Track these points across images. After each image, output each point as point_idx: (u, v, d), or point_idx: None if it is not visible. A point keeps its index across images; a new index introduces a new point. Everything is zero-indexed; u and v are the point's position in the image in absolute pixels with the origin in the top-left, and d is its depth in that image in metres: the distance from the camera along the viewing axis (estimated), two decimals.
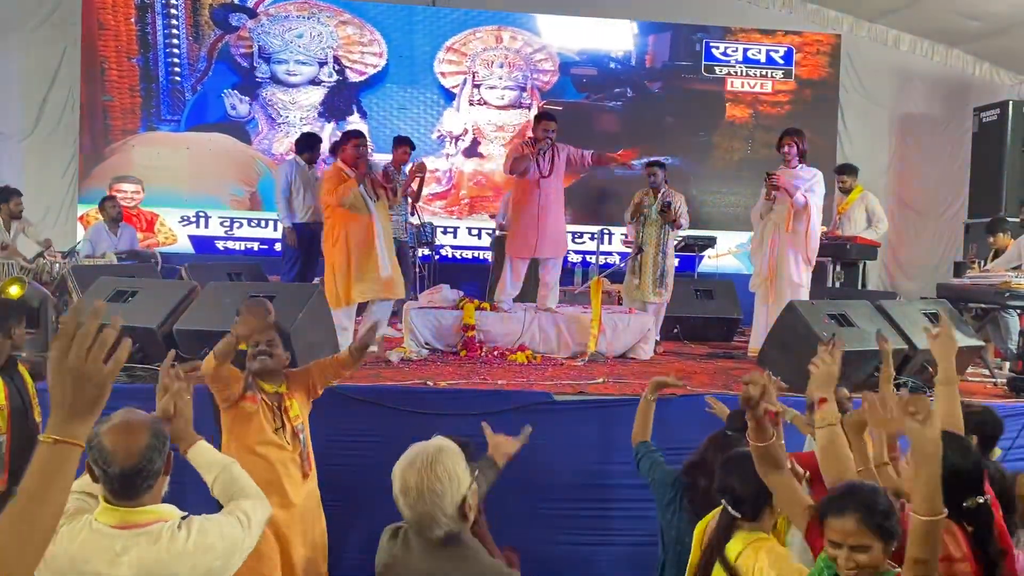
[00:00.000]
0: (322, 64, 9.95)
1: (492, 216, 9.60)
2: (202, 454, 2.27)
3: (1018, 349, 5.41)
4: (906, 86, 10.53)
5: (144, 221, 9.54)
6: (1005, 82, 10.35)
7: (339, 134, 9.43)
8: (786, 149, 6.29)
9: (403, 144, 7.71)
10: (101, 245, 7.70)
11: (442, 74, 10.13)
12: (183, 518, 1.97)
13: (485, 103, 10.20)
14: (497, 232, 8.67)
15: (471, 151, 10.18)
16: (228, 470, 2.25)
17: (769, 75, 10.35)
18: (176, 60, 9.72)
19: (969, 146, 9.75)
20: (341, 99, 9.99)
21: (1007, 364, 5.91)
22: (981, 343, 5.58)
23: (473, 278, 9.26)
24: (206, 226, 9.73)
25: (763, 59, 10.34)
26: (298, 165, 7.48)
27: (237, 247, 9.76)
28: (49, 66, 9.44)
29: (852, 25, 10.36)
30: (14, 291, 4.75)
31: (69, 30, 9.43)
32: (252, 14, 9.81)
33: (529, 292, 6.78)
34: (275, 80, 9.89)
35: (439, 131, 10.10)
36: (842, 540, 1.99)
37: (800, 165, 6.27)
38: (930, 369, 4.90)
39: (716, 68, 10.31)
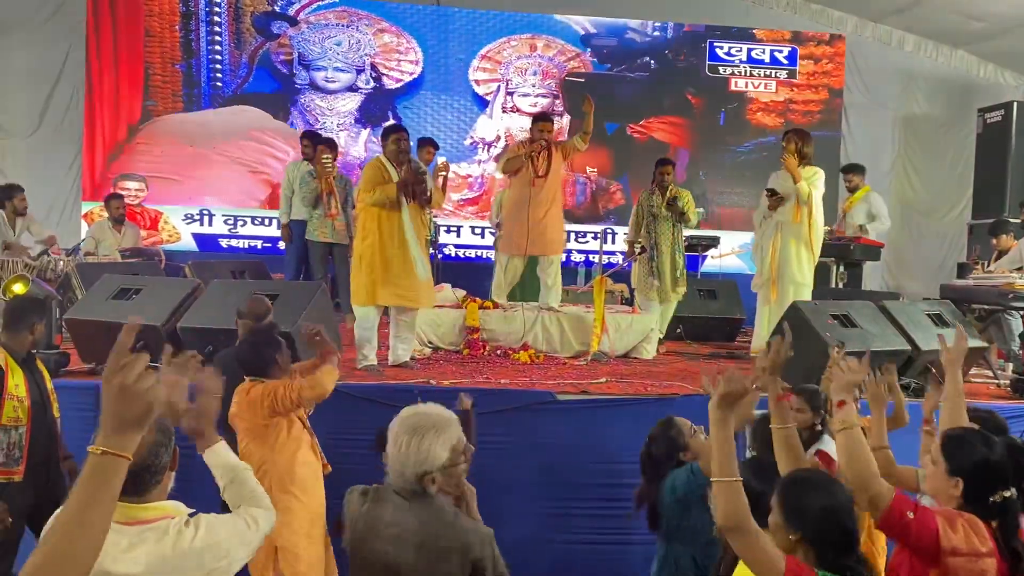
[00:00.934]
0: (359, 71, 10.09)
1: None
2: (219, 455, 2.26)
3: (1021, 350, 5.41)
4: (910, 87, 10.52)
5: (148, 219, 9.56)
6: (1009, 83, 10.34)
7: (375, 139, 9.76)
8: (785, 148, 6.29)
9: (427, 145, 7.69)
10: (105, 243, 7.72)
11: (476, 81, 10.27)
12: (190, 515, 1.97)
13: (518, 110, 10.31)
14: (497, 232, 8.68)
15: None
16: (242, 476, 2.24)
17: (773, 75, 10.35)
18: (218, 66, 9.85)
19: (973, 147, 9.74)
20: (377, 106, 10.13)
21: (1010, 365, 5.91)
22: (984, 344, 5.58)
23: (476, 277, 9.27)
24: (210, 224, 9.75)
25: (767, 59, 10.33)
26: (298, 164, 7.59)
27: (241, 245, 9.78)
28: (53, 64, 9.46)
29: (856, 25, 10.35)
30: (18, 288, 4.77)
31: (73, 28, 9.44)
32: (293, 22, 9.97)
33: (531, 292, 6.80)
34: (313, 87, 10.04)
35: (472, 137, 10.19)
36: None
37: (802, 167, 6.26)
38: (933, 371, 4.90)
39: (720, 68, 10.31)
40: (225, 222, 9.76)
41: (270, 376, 3.39)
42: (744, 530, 1.91)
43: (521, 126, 10.17)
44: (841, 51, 10.38)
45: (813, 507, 1.97)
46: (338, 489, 3.97)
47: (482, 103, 10.28)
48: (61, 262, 6.80)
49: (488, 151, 10.25)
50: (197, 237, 9.70)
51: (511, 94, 10.31)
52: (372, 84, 10.10)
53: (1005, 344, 6.28)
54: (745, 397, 2.08)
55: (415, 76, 10.14)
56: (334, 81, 10.05)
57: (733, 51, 10.32)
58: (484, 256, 9.90)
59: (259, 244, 9.76)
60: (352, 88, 10.08)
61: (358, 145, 10.11)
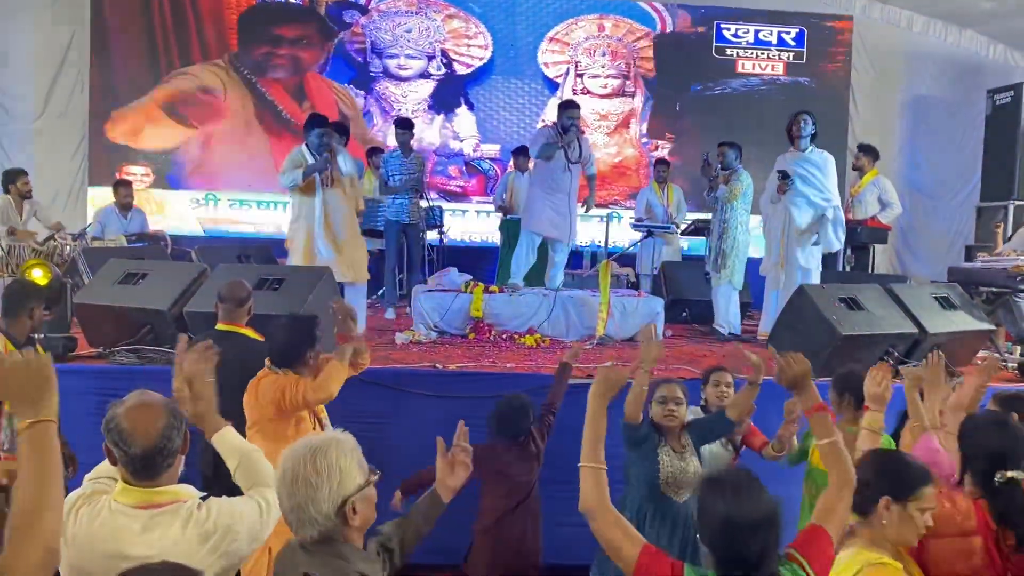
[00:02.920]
0: (431, 58, 10.20)
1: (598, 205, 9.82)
2: (227, 440, 2.26)
3: None
4: (918, 68, 10.43)
5: (153, 203, 9.56)
6: (1019, 64, 10.23)
7: (449, 125, 10.07)
8: (795, 130, 6.26)
9: (401, 127, 7.49)
10: (111, 227, 7.72)
11: (545, 64, 10.32)
12: (202, 498, 1.98)
13: (588, 92, 10.34)
14: (503, 216, 8.66)
15: None
16: (251, 457, 2.24)
17: (780, 57, 10.28)
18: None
19: (982, 129, 9.66)
20: (449, 92, 10.23)
21: (1018, 348, 5.89)
22: (992, 327, 5.56)
23: (481, 261, 9.27)
24: (215, 208, 9.75)
25: (774, 41, 10.26)
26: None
27: (247, 229, 9.78)
28: (58, 48, 9.44)
29: (865, 6, 10.25)
30: (39, 275, 4.76)
31: (77, 12, 9.42)
32: (364, 11, 10.08)
33: (535, 276, 6.82)
34: (387, 74, 10.17)
35: (543, 121, 10.13)
36: None
37: (811, 148, 6.24)
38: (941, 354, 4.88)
39: (727, 50, 10.24)
40: (231, 206, 9.77)
41: (294, 370, 3.23)
42: (601, 513, 2.00)
43: (593, 108, 10.30)
44: (849, 32, 10.30)
45: (714, 513, 1.84)
46: None
47: (552, 86, 10.33)
48: (68, 247, 6.81)
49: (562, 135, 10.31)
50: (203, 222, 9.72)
51: (581, 76, 10.37)
52: (443, 71, 10.21)
53: (1014, 326, 6.24)
54: (620, 387, 2.17)
55: (485, 61, 10.23)
56: (407, 68, 10.19)
57: (740, 32, 10.25)
58: (490, 240, 9.88)
59: (266, 228, 9.76)
60: (424, 75, 10.21)
61: (432, 129, 10.21)
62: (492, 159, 10.32)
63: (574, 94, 10.23)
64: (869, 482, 2.08)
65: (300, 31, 9.98)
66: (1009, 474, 2.24)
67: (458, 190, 10.30)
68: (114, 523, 1.88)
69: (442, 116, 10.20)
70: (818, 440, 2.13)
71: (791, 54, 10.28)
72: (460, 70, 10.22)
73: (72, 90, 9.51)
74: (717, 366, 3.88)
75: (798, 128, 6.28)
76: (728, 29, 10.23)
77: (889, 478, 2.08)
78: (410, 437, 4.28)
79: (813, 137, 6.26)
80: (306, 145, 5.85)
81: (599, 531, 2.01)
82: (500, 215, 8.85)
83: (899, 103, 10.49)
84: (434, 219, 8.69)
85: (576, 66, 10.32)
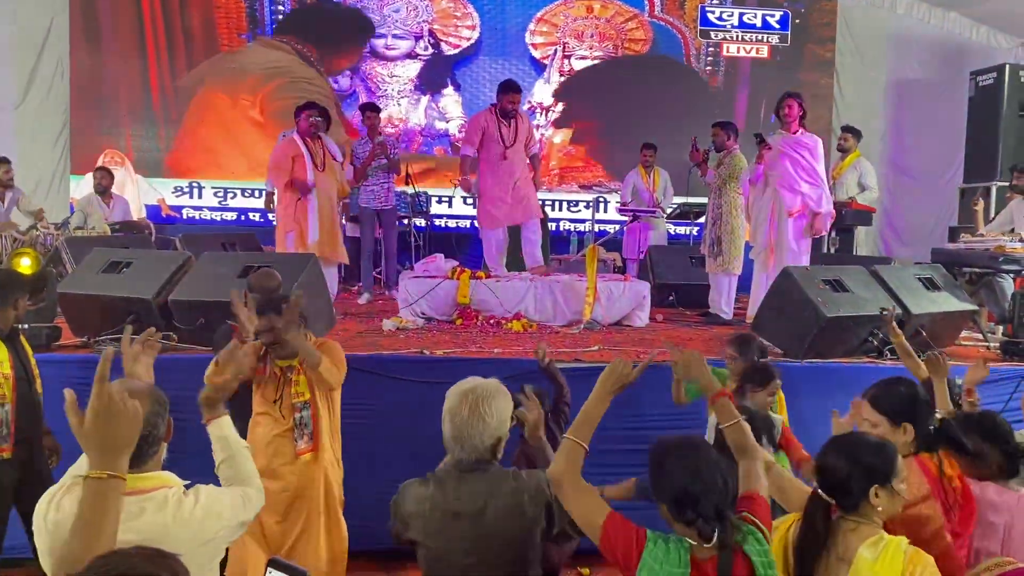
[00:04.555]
0: (418, 38, 10.13)
1: (582, 186, 9.77)
2: (222, 429, 2.28)
3: (1010, 313, 5.43)
4: (902, 50, 10.46)
5: (136, 191, 9.50)
6: (1002, 45, 10.27)
7: (435, 106, 9.97)
8: (786, 112, 6.23)
9: (369, 110, 7.52)
10: (93, 216, 7.66)
11: (533, 45, 10.27)
12: (187, 486, 1.98)
13: (574, 72, 10.31)
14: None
15: (561, 122, 10.31)
16: (239, 454, 2.26)
17: (765, 39, 10.28)
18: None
19: (965, 110, 9.70)
20: (436, 72, 10.17)
21: (1000, 328, 5.94)
22: (975, 307, 5.61)
23: (468, 247, 9.27)
24: (199, 196, 9.69)
25: (759, 23, 10.25)
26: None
27: (231, 217, 9.73)
28: (37, 35, 9.33)
29: None
30: (26, 264, 4.72)
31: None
32: None
33: (515, 261, 6.89)
34: (374, 54, 10.08)
35: (529, 102, 10.13)
36: None
37: (800, 130, 6.22)
38: (923, 333, 4.93)
39: (712, 33, 10.23)
40: (215, 194, 9.71)
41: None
42: (568, 481, 2.12)
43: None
44: (833, 14, 10.31)
45: (674, 475, 1.99)
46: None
47: (539, 67, 10.30)
48: (51, 236, 6.75)
49: (546, 115, 10.30)
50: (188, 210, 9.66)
51: (568, 57, 10.33)
52: (431, 51, 10.14)
53: (997, 307, 6.30)
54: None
55: (472, 42, 10.17)
56: (394, 48, 10.12)
57: (725, 15, 10.24)
58: (477, 226, 9.87)
59: (250, 216, 9.72)
60: (411, 55, 10.13)
61: (418, 111, 10.17)
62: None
63: (561, 76, 10.22)
64: (851, 477, 2.10)
65: None
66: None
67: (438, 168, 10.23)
68: None
69: (428, 97, 10.14)
70: (722, 424, 2.24)
71: (776, 36, 10.28)
72: (448, 51, 10.17)
73: (53, 77, 9.42)
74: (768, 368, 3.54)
75: (787, 110, 6.24)
76: (713, 12, 10.21)
77: (869, 468, 2.10)
78: (397, 423, 4.29)
79: (802, 119, 6.24)
80: (296, 132, 6.00)
81: (565, 499, 2.12)
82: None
83: (883, 85, 10.52)
84: (420, 205, 8.68)
85: (564, 47, 10.29)
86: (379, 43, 10.07)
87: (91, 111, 9.53)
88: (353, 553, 3.54)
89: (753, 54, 10.30)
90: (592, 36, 10.32)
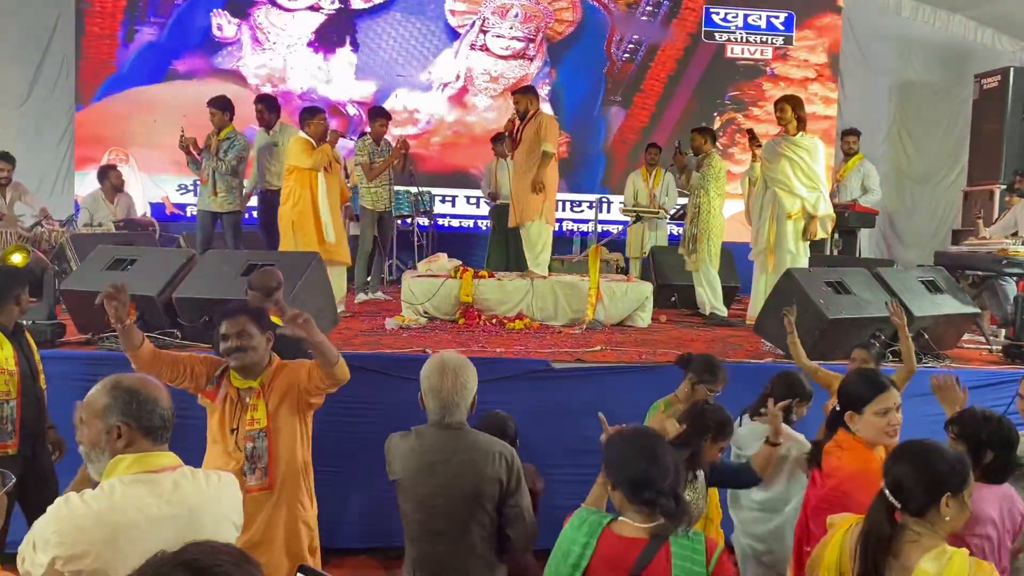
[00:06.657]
0: None
1: (474, 175, 9.60)
2: None
3: (1013, 316, 5.43)
4: (907, 53, 10.45)
5: (140, 188, 9.51)
6: (1007, 48, 10.25)
7: (323, 67, 9.45)
8: (778, 115, 6.25)
9: (381, 116, 7.44)
10: (98, 213, 7.69)
11: (452, 12, 9.81)
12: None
13: (487, 49, 9.93)
14: (492, 202, 8.65)
15: (456, 99, 10.01)
16: None
17: (769, 41, 10.28)
18: None
19: (969, 113, 9.69)
20: (337, 28, 9.57)
21: (1003, 332, 5.93)
22: (977, 310, 5.60)
23: (471, 246, 9.28)
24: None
25: (763, 25, 10.25)
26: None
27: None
28: (43, 33, 9.36)
29: None
30: (17, 259, 4.75)
31: None
32: None
33: (515, 261, 6.90)
34: (272, 1, 9.53)
35: (429, 72, 9.81)
36: None
37: (800, 133, 6.23)
38: (925, 336, 4.92)
39: (716, 34, 10.23)
40: None
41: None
42: None
43: (485, 68, 9.87)
44: (838, 17, 10.30)
45: (632, 460, 2.13)
46: (335, 455, 4.01)
47: (453, 35, 9.84)
48: (55, 233, 6.78)
49: (443, 90, 9.89)
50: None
51: (485, 32, 9.90)
52: (337, 4, 9.54)
53: (999, 310, 6.30)
54: None
55: None
56: None
57: (729, 17, 10.24)
58: (480, 226, 9.88)
59: (253, 214, 9.71)
60: (313, 8, 9.45)
61: (304, 71, 9.58)
62: (359, 102, 9.70)
63: (472, 49, 9.88)
64: (930, 483, 2.03)
65: None
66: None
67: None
68: (138, 490, 1.85)
69: (321, 55, 9.55)
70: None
71: (780, 38, 10.27)
72: (357, 3, 9.52)
73: (57, 75, 9.44)
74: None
75: (786, 114, 6.24)
76: (717, 13, 10.21)
77: (946, 477, 2.05)
78: (399, 422, 4.29)
79: (802, 122, 6.24)
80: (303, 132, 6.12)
81: None
82: (490, 202, 8.83)
83: (887, 88, 10.51)
84: (423, 204, 8.69)
85: (483, 22, 9.86)
86: None
87: (95, 109, 9.54)
88: (354, 553, 3.55)
89: (758, 55, 10.29)
90: (516, 16, 9.88)
